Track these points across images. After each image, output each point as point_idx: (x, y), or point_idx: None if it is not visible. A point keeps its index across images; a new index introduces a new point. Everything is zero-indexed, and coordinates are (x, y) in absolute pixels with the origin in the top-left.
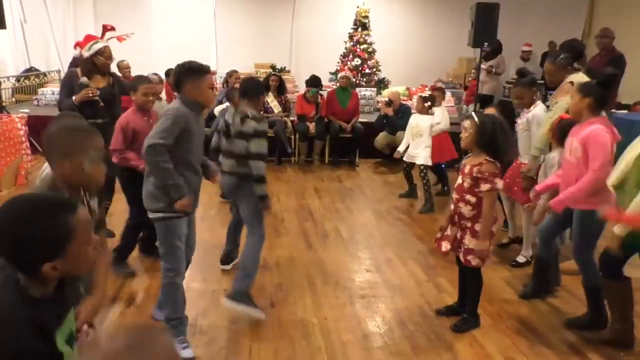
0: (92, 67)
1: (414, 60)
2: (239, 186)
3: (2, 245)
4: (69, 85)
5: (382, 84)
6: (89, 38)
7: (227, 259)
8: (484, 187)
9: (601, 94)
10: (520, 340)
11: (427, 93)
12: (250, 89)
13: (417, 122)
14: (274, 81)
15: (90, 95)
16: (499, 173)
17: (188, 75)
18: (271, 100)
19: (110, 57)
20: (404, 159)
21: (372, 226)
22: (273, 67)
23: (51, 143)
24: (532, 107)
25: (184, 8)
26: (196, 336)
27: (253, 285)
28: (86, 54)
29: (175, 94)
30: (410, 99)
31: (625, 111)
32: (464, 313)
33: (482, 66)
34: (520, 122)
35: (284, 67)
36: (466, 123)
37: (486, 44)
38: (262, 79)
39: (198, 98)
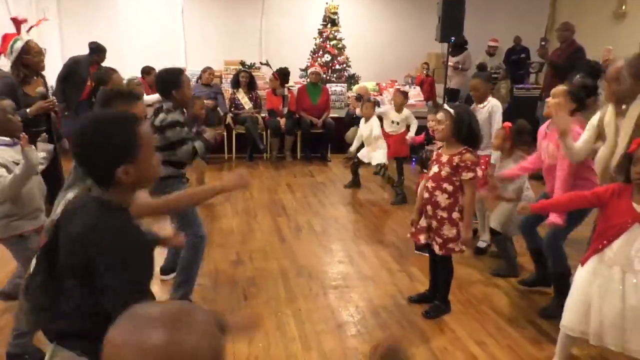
0: (24, 71)
1: (383, 56)
2: (157, 189)
3: (84, 152)
4: (9, 95)
5: (352, 80)
6: (4, 38)
7: (167, 268)
8: (467, 175)
9: (583, 99)
10: (489, 324)
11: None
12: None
13: (369, 127)
14: (244, 78)
15: (51, 107)
16: (479, 162)
17: (117, 100)
18: (242, 97)
19: (40, 52)
20: (359, 156)
21: (345, 219)
22: (242, 64)
23: None
24: (485, 100)
25: (151, 6)
26: None
27: (192, 292)
28: (11, 58)
29: None
30: (381, 94)
31: None
32: (435, 300)
33: (449, 62)
34: (480, 116)
35: (254, 64)
36: (440, 115)
37: (453, 38)
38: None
39: None
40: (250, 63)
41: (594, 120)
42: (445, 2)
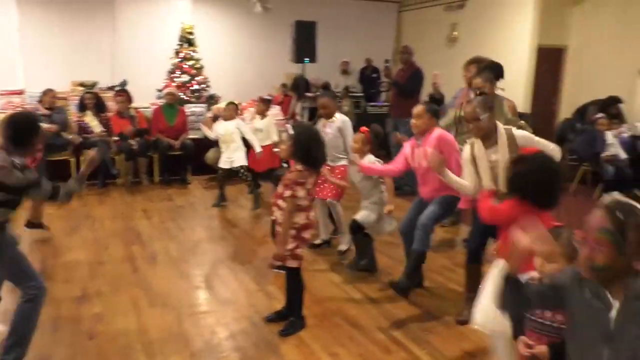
0: None
1: (243, 76)
2: None
3: None
4: None
5: (212, 100)
6: None
7: None
8: (287, 193)
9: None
10: (342, 335)
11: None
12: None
13: (226, 129)
14: (90, 100)
15: None
16: (304, 182)
17: None
18: (90, 120)
19: None
20: (221, 165)
21: (204, 242)
22: (83, 85)
23: None
24: (334, 117)
25: None
26: None
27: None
28: None
29: None
30: (242, 114)
31: None
32: (290, 317)
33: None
34: (330, 131)
35: (96, 83)
36: (284, 135)
37: (307, 59)
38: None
39: None
40: (94, 83)
41: (466, 155)
42: (297, 24)
